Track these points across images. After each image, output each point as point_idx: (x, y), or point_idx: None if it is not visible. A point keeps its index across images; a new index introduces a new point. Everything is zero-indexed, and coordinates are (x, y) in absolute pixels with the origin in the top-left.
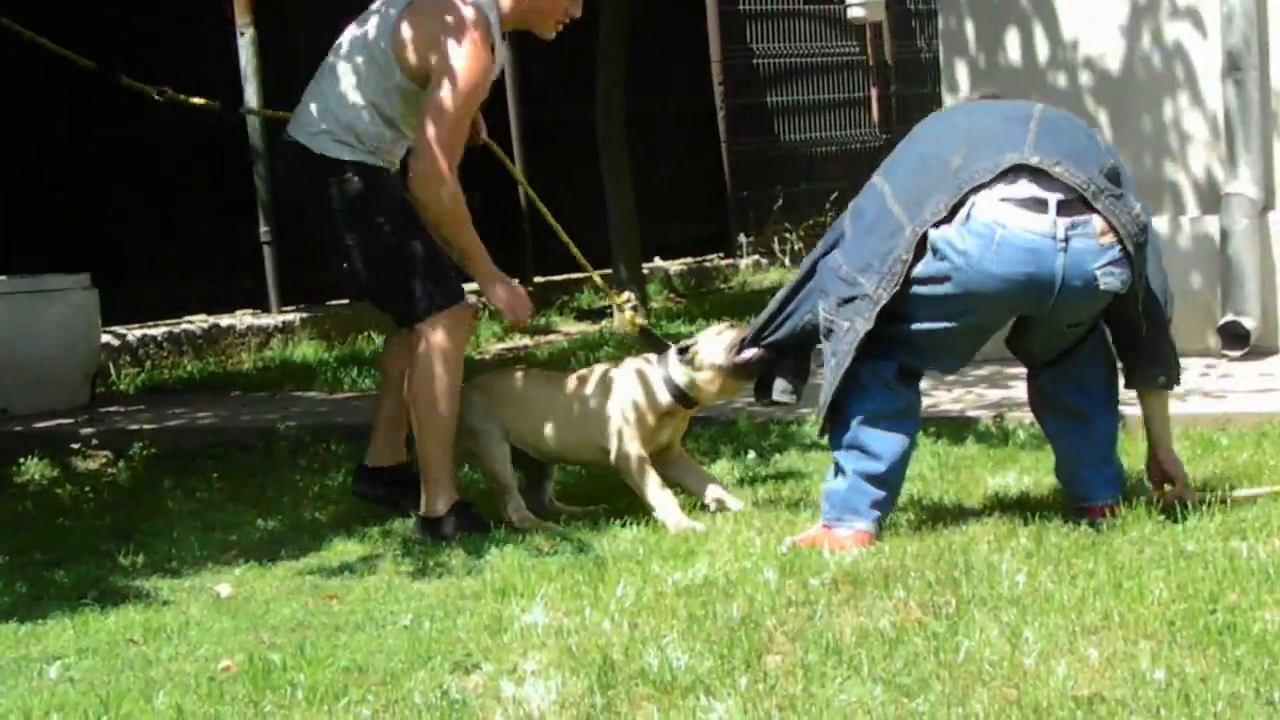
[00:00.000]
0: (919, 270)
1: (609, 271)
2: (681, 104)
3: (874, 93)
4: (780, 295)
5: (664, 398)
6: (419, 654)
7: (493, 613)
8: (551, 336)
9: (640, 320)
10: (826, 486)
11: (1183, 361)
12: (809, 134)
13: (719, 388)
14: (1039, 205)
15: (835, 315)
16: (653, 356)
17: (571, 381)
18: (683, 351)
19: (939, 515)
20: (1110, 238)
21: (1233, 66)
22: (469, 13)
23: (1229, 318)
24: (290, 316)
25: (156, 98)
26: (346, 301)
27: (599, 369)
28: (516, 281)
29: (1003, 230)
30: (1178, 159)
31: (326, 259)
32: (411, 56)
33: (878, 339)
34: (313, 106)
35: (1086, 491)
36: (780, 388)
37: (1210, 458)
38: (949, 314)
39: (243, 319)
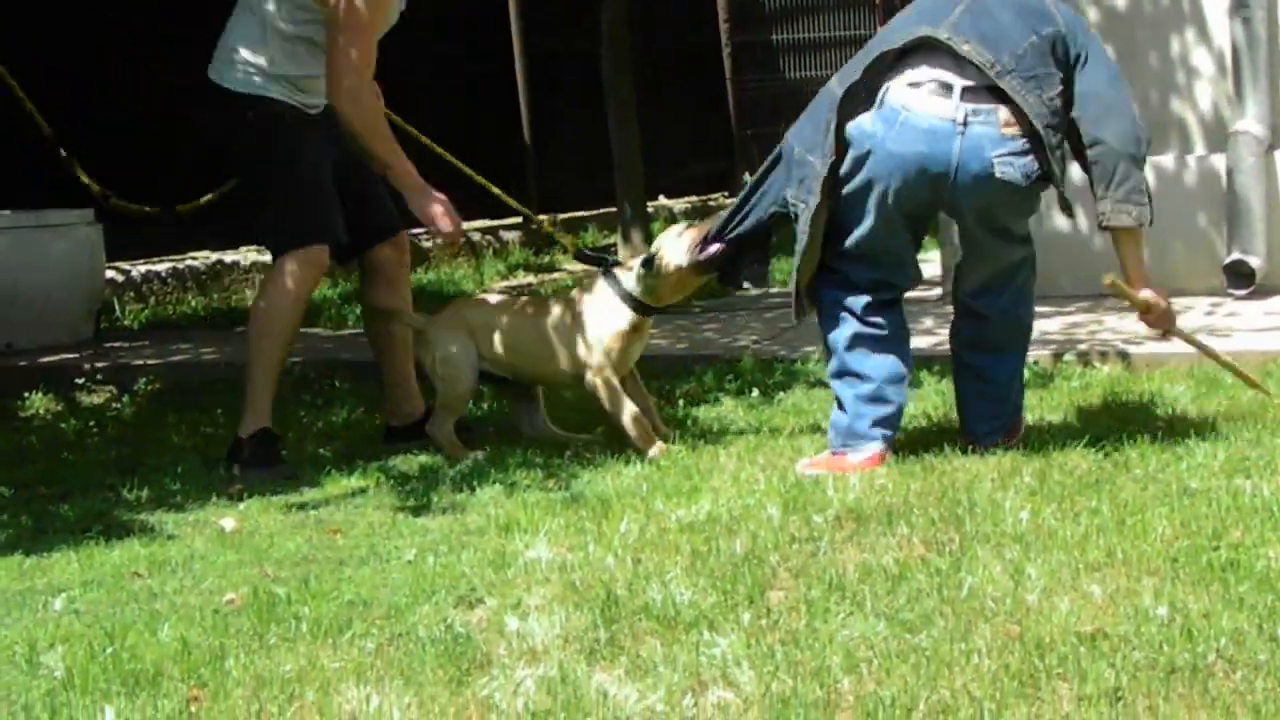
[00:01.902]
0: (843, 169)
1: (613, 209)
2: (686, 41)
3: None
4: (744, 191)
5: (626, 315)
6: (423, 588)
7: (496, 548)
8: (556, 274)
9: (571, 241)
10: (831, 421)
11: (1188, 300)
12: (815, 71)
13: (679, 286)
14: (944, 90)
15: (796, 197)
16: (612, 275)
17: (542, 306)
18: (647, 264)
19: (943, 453)
20: (1014, 129)
21: (1240, 4)
22: None
23: (1234, 256)
24: None
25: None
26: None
27: (569, 293)
28: (446, 198)
29: (906, 113)
30: (1185, 97)
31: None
32: None
33: (831, 267)
34: (227, 44)
35: (974, 429)
36: (747, 273)
37: (1214, 396)
38: (867, 207)
39: (246, 255)
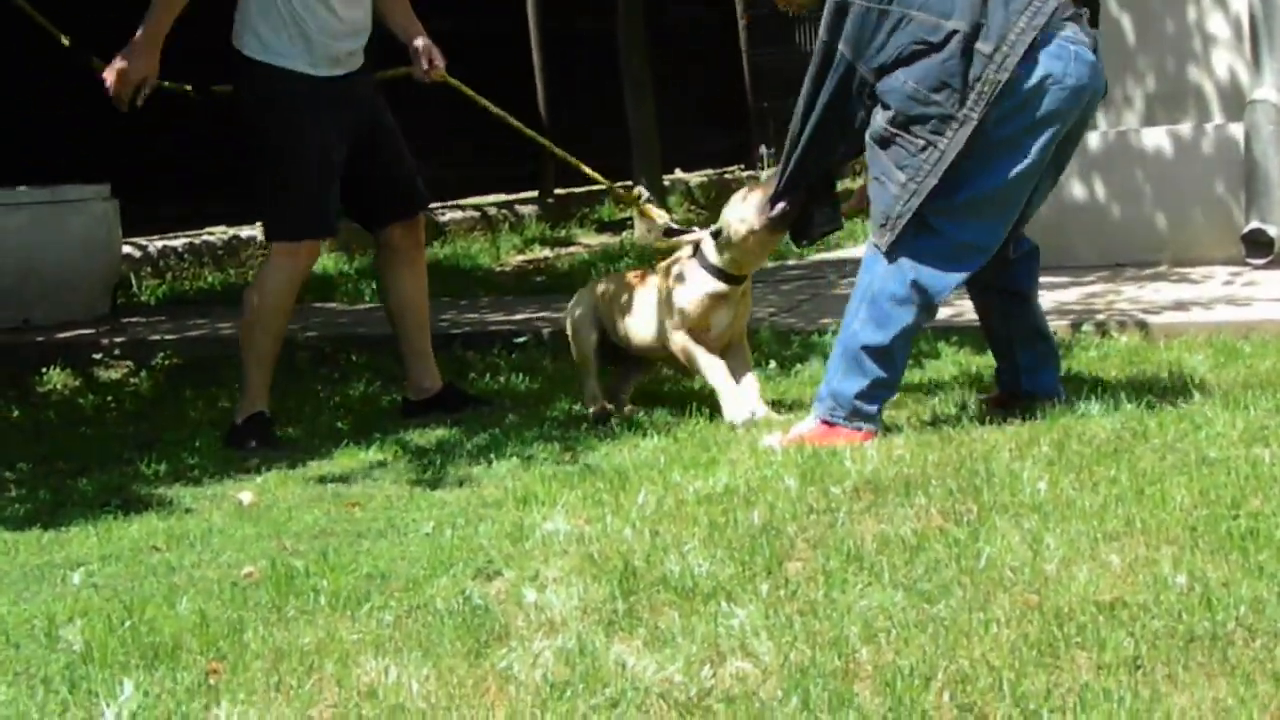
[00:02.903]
0: (996, 113)
1: (629, 183)
2: (701, 14)
3: None
4: (791, 136)
5: (709, 283)
6: (441, 561)
7: (514, 520)
8: (572, 249)
9: (660, 215)
10: (834, 389)
11: (1207, 269)
12: None
13: (760, 249)
14: (1078, 16)
15: (903, 131)
16: (698, 248)
17: (643, 279)
18: (717, 234)
19: (960, 424)
20: None
21: None
22: None
23: (1253, 225)
24: None
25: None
26: None
27: (664, 266)
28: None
29: (1075, 46)
30: (1201, 64)
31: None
32: None
33: (933, 226)
34: (243, 8)
35: (1044, 383)
36: (819, 220)
37: (1233, 365)
38: (1028, 150)
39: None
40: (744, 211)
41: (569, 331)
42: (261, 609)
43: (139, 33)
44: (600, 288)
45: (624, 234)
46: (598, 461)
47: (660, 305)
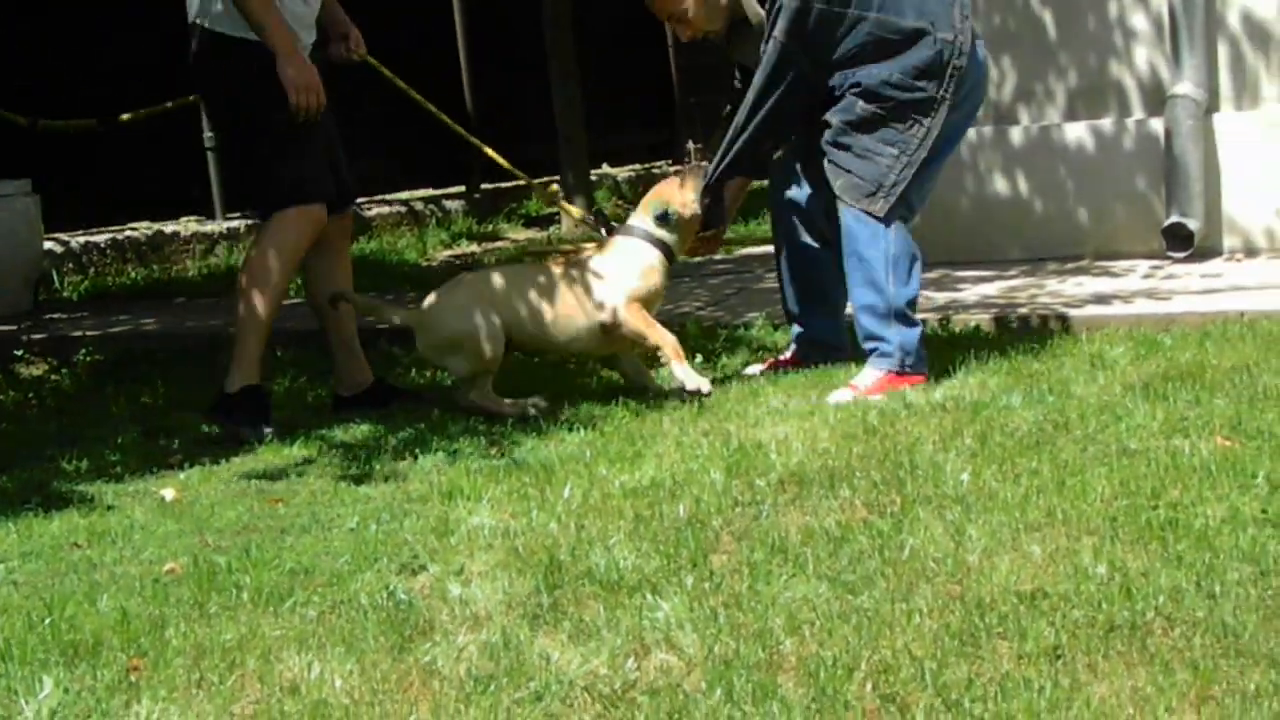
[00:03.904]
0: (959, 94)
1: (557, 178)
2: (628, 5)
3: None
4: (736, 127)
5: (655, 258)
6: (365, 556)
7: (439, 515)
8: (499, 243)
9: (577, 212)
10: (900, 341)
11: (1128, 263)
12: None
13: (689, 237)
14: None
15: (888, 113)
16: (629, 229)
17: (548, 271)
18: (663, 217)
19: (885, 415)
20: None
21: None
22: None
23: (1173, 219)
24: (235, 223)
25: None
26: None
27: (584, 254)
28: (314, 70)
29: (978, 39)
30: (1123, 60)
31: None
32: None
33: (910, 203)
34: None
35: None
36: (719, 213)
37: (1154, 358)
38: (961, 130)
39: (187, 226)
40: (688, 196)
41: (470, 333)
42: (183, 605)
43: (272, 39)
44: (495, 284)
45: (551, 229)
46: (523, 455)
47: (584, 293)
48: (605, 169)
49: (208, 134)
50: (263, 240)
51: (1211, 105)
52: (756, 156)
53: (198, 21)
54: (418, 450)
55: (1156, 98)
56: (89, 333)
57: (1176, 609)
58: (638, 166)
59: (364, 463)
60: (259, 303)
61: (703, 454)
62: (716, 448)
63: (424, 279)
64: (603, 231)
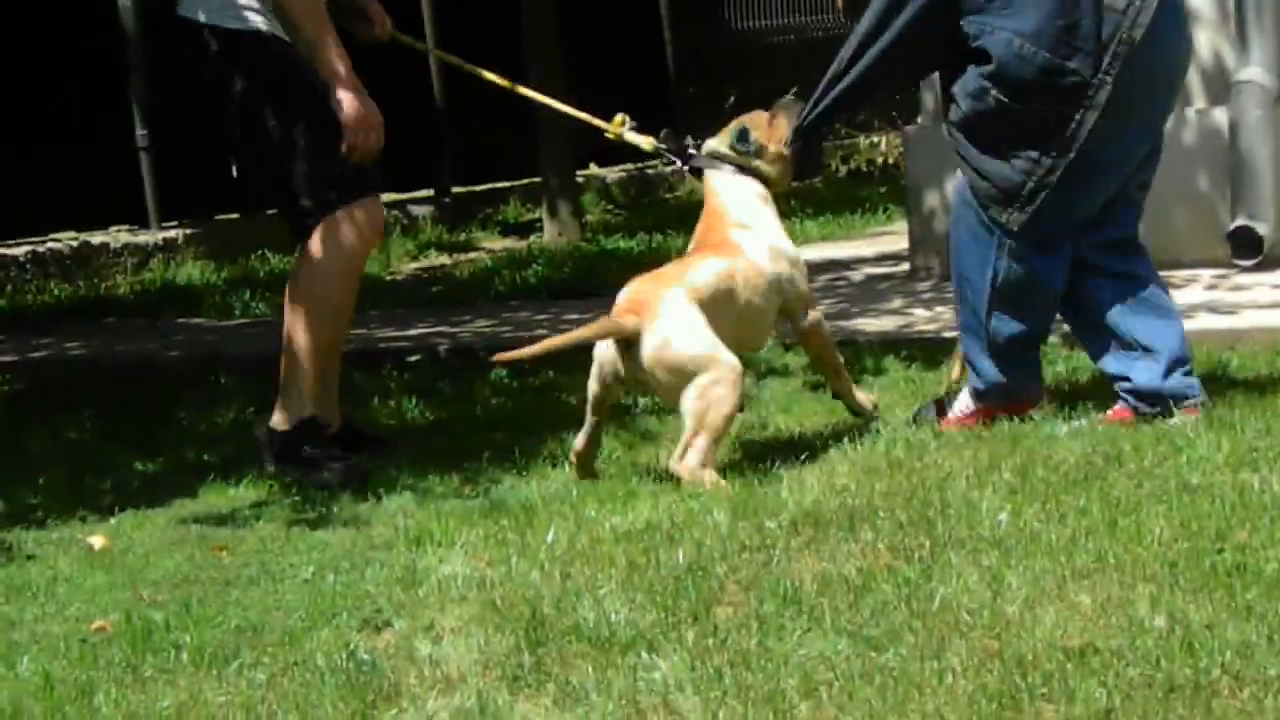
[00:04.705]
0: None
1: (538, 180)
2: None
3: None
4: (840, 62)
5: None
6: (322, 611)
7: (406, 563)
8: (473, 254)
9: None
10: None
11: (1189, 272)
12: (764, 21)
13: (782, 179)
14: None
15: (1006, 93)
16: (742, 218)
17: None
18: (742, 137)
19: (911, 448)
20: None
21: None
22: None
23: (1240, 222)
24: (172, 233)
25: None
26: (237, 215)
27: (728, 248)
28: (376, 107)
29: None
30: None
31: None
32: None
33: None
34: None
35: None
36: (817, 158)
37: (1218, 380)
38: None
39: (118, 236)
40: (777, 134)
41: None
42: (115, 668)
43: (327, 65)
44: (696, 297)
45: (532, 238)
46: (502, 495)
47: (774, 282)
48: (593, 169)
49: (140, 132)
50: (314, 249)
51: None
52: (875, 94)
53: (190, 16)
54: (382, 490)
55: (1220, 84)
56: (6, 358)
57: (1245, 666)
58: (629, 166)
59: (320, 504)
60: (316, 324)
61: (704, 492)
62: (720, 485)
63: (387, 295)
64: (678, 163)
